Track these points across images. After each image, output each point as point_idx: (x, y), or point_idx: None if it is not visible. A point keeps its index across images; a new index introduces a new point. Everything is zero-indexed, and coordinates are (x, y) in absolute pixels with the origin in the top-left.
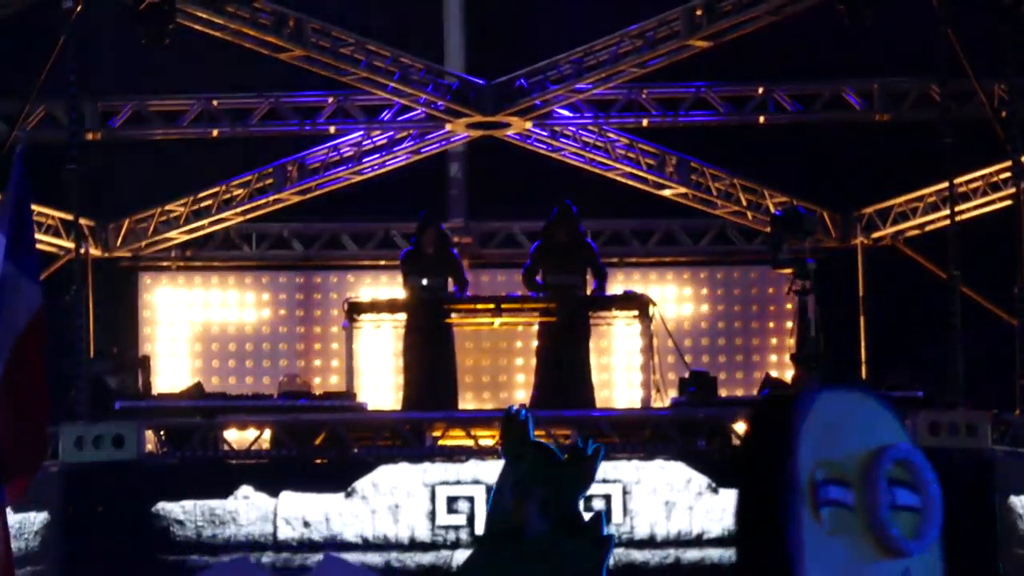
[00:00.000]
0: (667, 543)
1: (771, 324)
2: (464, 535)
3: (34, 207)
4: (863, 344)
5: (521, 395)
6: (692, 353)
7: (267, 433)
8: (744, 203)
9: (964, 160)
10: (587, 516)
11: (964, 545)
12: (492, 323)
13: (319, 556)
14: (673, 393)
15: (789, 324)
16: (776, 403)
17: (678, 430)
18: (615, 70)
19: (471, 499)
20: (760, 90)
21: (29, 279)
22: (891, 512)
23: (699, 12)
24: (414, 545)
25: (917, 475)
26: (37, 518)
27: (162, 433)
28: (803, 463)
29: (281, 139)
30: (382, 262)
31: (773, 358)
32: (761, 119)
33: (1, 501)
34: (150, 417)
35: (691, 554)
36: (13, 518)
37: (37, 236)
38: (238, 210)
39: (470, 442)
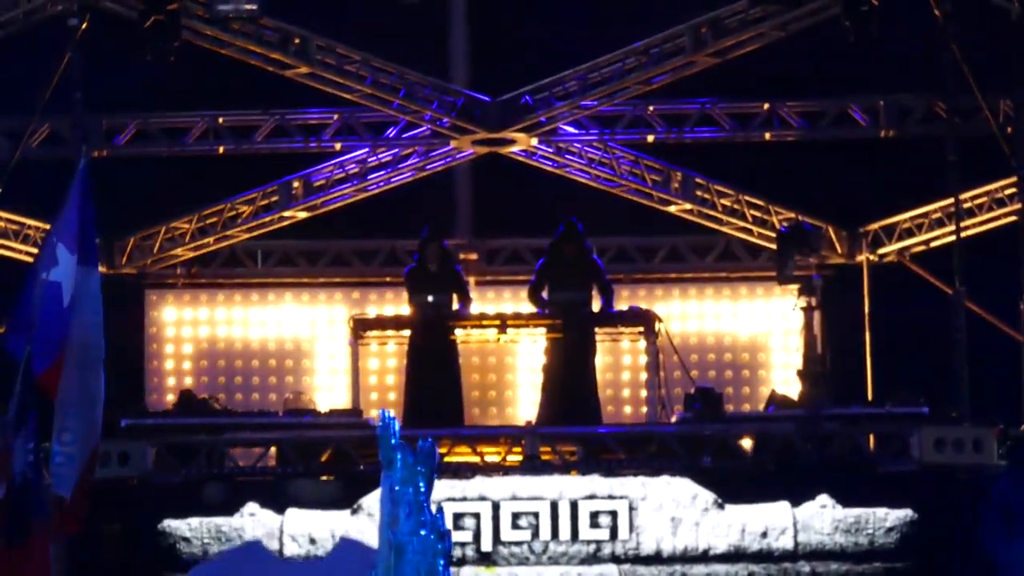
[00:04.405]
0: (673, 559)
1: (777, 340)
2: (470, 551)
3: (38, 224)
4: (868, 360)
5: (527, 411)
6: (698, 369)
7: (273, 450)
8: (750, 219)
9: (969, 176)
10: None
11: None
12: (498, 340)
13: None
14: (679, 409)
15: (795, 340)
16: None
17: (684, 446)
18: (620, 86)
19: (477, 515)
20: (766, 106)
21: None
22: None
23: (704, 29)
24: None
25: None
26: None
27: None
28: None
29: (286, 156)
30: (387, 279)
31: (779, 374)
32: (767, 135)
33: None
34: (155, 434)
35: (697, 570)
36: None
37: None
38: (243, 227)
39: (476, 459)
